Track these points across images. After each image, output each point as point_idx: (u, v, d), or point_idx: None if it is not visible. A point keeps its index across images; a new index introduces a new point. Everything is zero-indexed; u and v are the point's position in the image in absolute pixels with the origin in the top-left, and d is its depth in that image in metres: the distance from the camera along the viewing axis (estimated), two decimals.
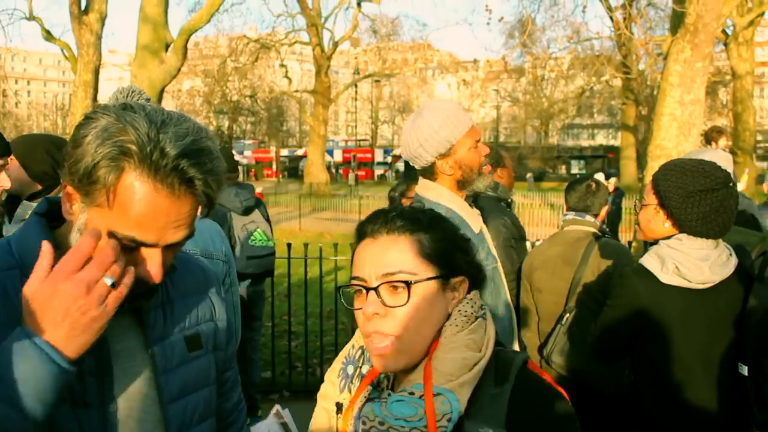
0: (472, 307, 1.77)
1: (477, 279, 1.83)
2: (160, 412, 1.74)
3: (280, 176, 71.31)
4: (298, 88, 59.31)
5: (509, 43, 49.53)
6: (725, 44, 30.56)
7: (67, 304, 1.46)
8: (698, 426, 3.18)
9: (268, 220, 6.95)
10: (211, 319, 1.94)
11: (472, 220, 3.27)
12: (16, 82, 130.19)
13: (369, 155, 75.34)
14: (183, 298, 1.87)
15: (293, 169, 74.33)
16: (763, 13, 29.62)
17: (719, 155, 4.86)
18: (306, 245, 8.50)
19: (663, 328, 3.20)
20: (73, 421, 1.59)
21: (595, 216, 4.65)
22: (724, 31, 29.09)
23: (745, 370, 3.08)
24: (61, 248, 1.57)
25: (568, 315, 4.41)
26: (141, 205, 1.52)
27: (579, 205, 4.67)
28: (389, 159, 76.70)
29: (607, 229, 4.89)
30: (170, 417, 1.75)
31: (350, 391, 1.79)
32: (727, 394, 3.16)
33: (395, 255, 1.70)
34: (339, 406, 1.79)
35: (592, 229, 4.60)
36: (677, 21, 12.88)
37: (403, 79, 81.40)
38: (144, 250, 1.59)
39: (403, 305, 1.67)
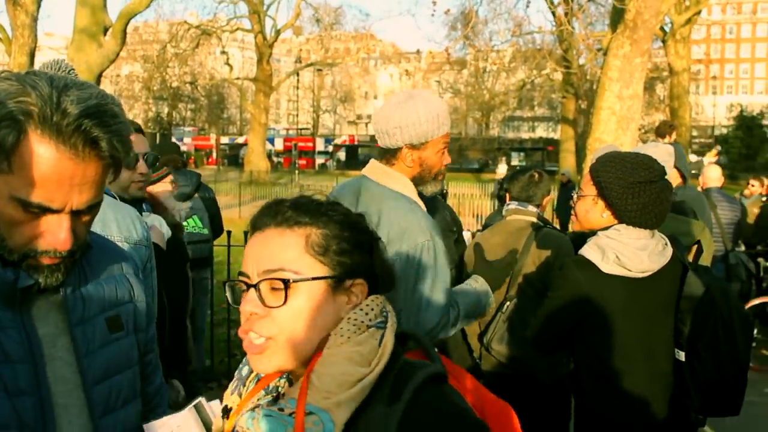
0: (366, 314, 1.54)
1: (382, 282, 1.64)
2: (84, 396, 1.70)
3: (220, 164, 70.70)
4: (239, 75, 58.76)
5: (452, 35, 49.85)
6: (663, 41, 31.07)
7: None
8: (639, 413, 3.25)
9: (214, 206, 6.90)
10: (130, 300, 1.91)
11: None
12: None
13: (310, 144, 75.11)
14: (101, 281, 1.84)
15: (233, 157, 73.74)
16: (700, 12, 30.27)
17: (665, 149, 4.95)
18: (246, 233, 8.37)
19: (605, 317, 3.26)
20: (9, 410, 1.55)
21: (538, 206, 4.69)
22: (662, 28, 29.57)
23: (682, 355, 3.17)
24: None
25: (508, 303, 4.44)
26: (43, 168, 1.48)
27: (521, 195, 4.70)
28: (330, 148, 76.59)
29: (548, 220, 4.92)
30: (94, 400, 1.72)
31: (240, 395, 1.63)
32: (666, 379, 3.25)
33: (278, 249, 1.53)
34: (226, 410, 1.64)
35: (534, 219, 4.64)
36: (617, 17, 13.06)
37: (346, 69, 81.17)
38: (51, 217, 1.55)
39: (280, 306, 1.49)
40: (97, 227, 2.21)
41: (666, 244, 3.31)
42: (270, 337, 1.50)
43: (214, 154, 74.64)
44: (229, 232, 8.02)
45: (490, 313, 4.53)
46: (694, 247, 3.59)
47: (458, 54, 60.57)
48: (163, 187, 4.63)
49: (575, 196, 3.53)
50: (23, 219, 1.54)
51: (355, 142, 78.45)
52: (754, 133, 60.31)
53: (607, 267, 3.23)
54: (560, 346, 3.51)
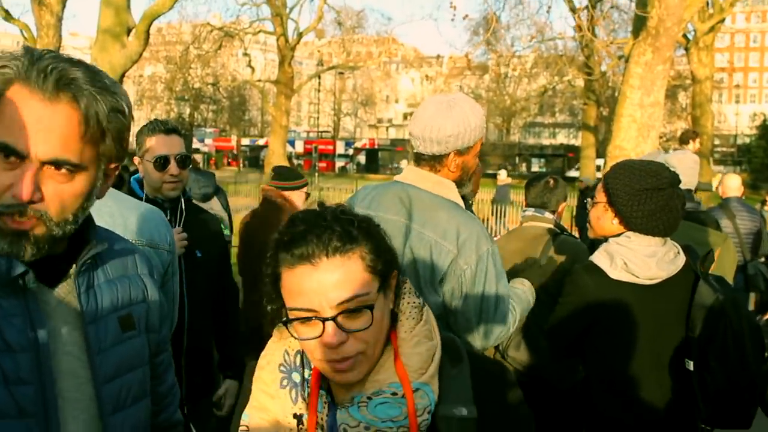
0: (416, 296, 1.75)
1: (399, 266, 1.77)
2: (94, 391, 1.71)
3: (241, 166, 70.90)
4: (260, 77, 58.94)
5: (473, 40, 49.73)
6: (686, 49, 30.85)
7: None
8: (646, 420, 3.25)
9: (227, 209, 6.91)
10: (143, 300, 1.92)
11: None
12: None
13: (330, 147, 75.19)
14: (114, 279, 1.85)
15: (254, 159, 73.94)
16: (723, 20, 30.02)
17: (691, 157, 4.96)
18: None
19: (612, 323, 3.28)
20: (7, 398, 1.56)
21: (553, 212, 4.69)
22: (685, 36, 29.39)
23: (691, 365, 3.16)
24: None
25: None
26: (13, 106, 1.51)
27: (537, 201, 4.70)
28: (350, 151, 76.61)
29: (565, 227, 4.93)
30: (104, 397, 1.73)
31: (305, 400, 1.70)
32: (674, 388, 3.24)
33: (344, 280, 1.58)
34: (299, 417, 1.69)
35: (550, 226, 4.64)
36: (639, 24, 12.99)
37: (367, 73, 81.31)
38: (19, 169, 1.53)
39: (367, 327, 1.59)
40: (118, 230, 2.22)
41: (678, 252, 3.30)
42: (360, 352, 1.60)
43: (235, 156, 74.88)
44: None
45: None
46: (708, 256, 3.58)
47: (480, 59, 60.47)
48: (299, 196, 4.87)
49: (589, 204, 3.54)
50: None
51: (375, 146, 78.52)
52: None
53: (615, 273, 3.24)
54: (573, 351, 3.51)
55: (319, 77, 61.01)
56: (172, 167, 3.66)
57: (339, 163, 74.42)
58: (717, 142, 61.89)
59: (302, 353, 1.73)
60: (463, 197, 3.32)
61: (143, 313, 1.91)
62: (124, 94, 1.64)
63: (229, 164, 71.56)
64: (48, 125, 1.52)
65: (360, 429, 1.59)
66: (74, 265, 1.72)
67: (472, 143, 3.19)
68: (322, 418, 1.66)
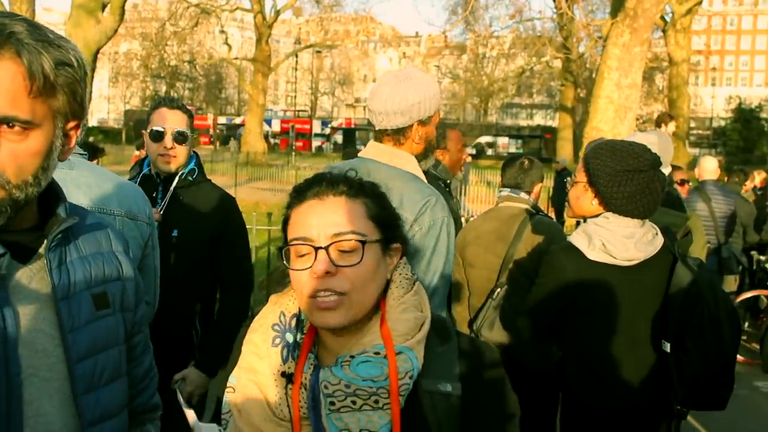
0: (408, 270, 1.81)
1: (407, 249, 1.86)
2: (67, 370, 1.68)
3: (217, 144, 70.57)
4: (237, 55, 58.53)
5: (452, 19, 49.63)
6: (663, 31, 31.01)
7: None
8: (622, 401, 3.25)
9: None
10: (118, 278, 1.87)
11: None
12: None
13: (307, 126, 74.99)
14: (88, 256, 1.81)
15: (230, 138, 73.61)
16: (701, 2, 30.19)
17: (663, 137, 4.96)
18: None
19: (589, 304, 3.27)
20: None
21: (528, 193, 4.68)
22: (662, 18, 29.51)
23: (668, 347, 3.16)
24: None
25: (499, 290, 4.43)
26: None
27: (512, 182, 4.70)
28: (327, 131, 76.44)
29: (541, 207, 4.92)
30: (77, 376, 1.69)
31: (294, 360, 1.74)
32: (651, 370, 3.24)
33: (346, 216, 1.70)
34: (289, 376, 1.72)
35: (526, 206, 4.63)
36: (618, 5, 13.03)
37: (345, 51, 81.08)
38: None
39: (355, 264, 1.66)
40: (95, 200, 2.23)
41: (656, 233, 3.30)
42: (343, 293, 1.65)
43: (211, 134, 74.52)
44: None
45: (480, 300, 4.53)
46: (686, 238, 3.59)
47: (458, 39, 60.46)
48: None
49: (569, 184, 3.53)
50: None
51: (352, 125, 78.44)
52: (752, 126, 60.40)
53: (593, 254, 3.23)
54: (550, 332, 3.51)
55: (297, 56, 60.88)
56: (167, 140, 3.67)
57: (316, 143, 74.19)
58: (693, 124, 62.25)
59: (298, 316, 1.79)
60: (435, 176, 3.30)
61: (118, 291, 1.86)
62: (72, 48, 1.58)
63: (203, 143, 71.13)
64: None
65: (340, 387, 1.62)
66: (45, 241, 1.68)
67: (432, 112, 3.19)
68: (306, 378, 1.69)
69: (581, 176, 3.38)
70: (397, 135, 3.19)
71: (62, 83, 1.56)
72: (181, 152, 3.75)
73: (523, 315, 3.48)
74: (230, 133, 73.70)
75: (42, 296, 1.67)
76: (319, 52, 71.28)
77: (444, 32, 32.42)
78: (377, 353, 1.65)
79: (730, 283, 8.96)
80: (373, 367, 1.63)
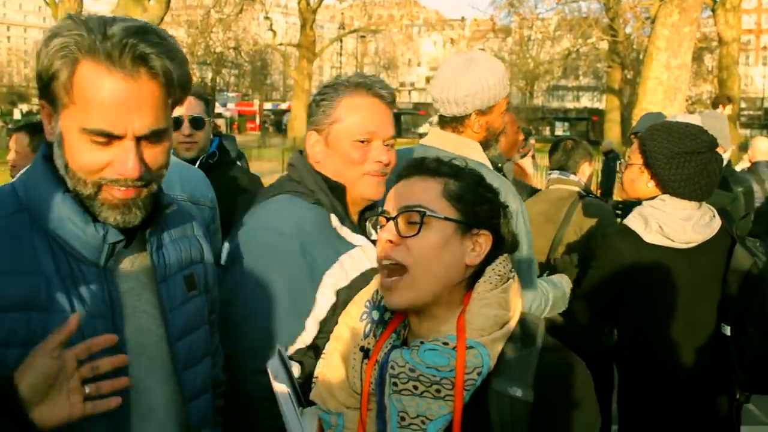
0: (504, 267, 1.78)
1: (507, 242, 1.83)
2: (168, 348, 1.81)
3: (263, 130, 70.87)
4: (282, 41, 58.85)
5: (497, 2, 49.21)
6: (713, 10, 30.42)
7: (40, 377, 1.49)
8: (681, 384, 3.21)
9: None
10: (201, 261, 2.00)
11: None
12: None
13: None
14: (177, 241, 1.92)
15: (277, 123, 73.85)
16: None
17: (719, 118, 4.90)
18: None
19: (646, 287, 3.24)
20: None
21: (575, 174, 4.66)
22: None
23: (728, 330, 3.13)
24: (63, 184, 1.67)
25: (547, 272, 4.41)
26: (99, 93, 1.56)
27: (557, 164, 4.70)
28: None
29: (591, 189, 4.91)
30: (177, 354, 1.82)
31: (375, 336, 1.81)
32: (710, 353, 3.20)
33: (419, 191, 1.75)
34: (366, 351, 1.79)
35: (576, 189, 4.60)
36: None
37: (389, 36, 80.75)
38: (117, 146, 1.61)
39: (414, 235, 1.69)
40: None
41: (714, 215, 3.26)
42: (402, 265, 1.70)
43: (257, 120, 74.87)
44: None
45: None
46: (745, 219, 3.54)
47: (503, 22, 59.98)
48: (528, 161, 4.85)
49: (621, 165, 3.50)
50: (91, 149, 1.60)
51: (396, 110, 78.23)
52: None
53: (650, 237, 3.20)
54: (607, 316, 3.47)
55: (341, 41, 60.84)
56: (185, 127, 3.73)
57: None
58: (744, 105, 61.17)
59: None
60: (492, 160, 3.28)
61: (202, 273, 1.99)
62: (179, 48, 1.70)
63: (250, 129, 71.45)
64: (137, 103, 1.58)
65: (405, 370, 1.64)
66: (149, 227, 1.80)
67: (493, 102, 3.14)
68: (380, 356, 1.74)
69: (636, 158, 3.34)
70: (455, 123, 3.18)
71: (183, 83, 1.68)
72: (199, 138, 3.82)
73: (577, 298, 3.44)
74: (277, 119, 73.99)
75: (143, 278, 1.79)
76: (363, 36, 71.13)
77: (492, 17, 32.13)
78: (446, 344, 1.65)
79: None
80: (439, 357, 1.63)
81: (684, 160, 3.14)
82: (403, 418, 1.63)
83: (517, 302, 1.76)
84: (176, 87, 1.65)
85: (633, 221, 3.27)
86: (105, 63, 1.56)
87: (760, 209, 8.29)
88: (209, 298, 2.03)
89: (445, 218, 1.72)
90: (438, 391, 1.61)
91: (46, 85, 1.62)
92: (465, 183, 1.77)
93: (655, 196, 3.25)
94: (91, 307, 1.65)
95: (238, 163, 6.81)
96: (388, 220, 1.75)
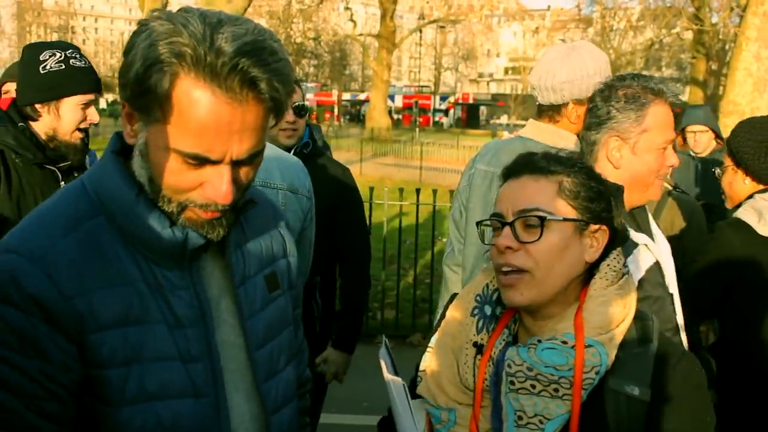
0: (618, 263, 1.76)
1: (620, 235, 1.80)
2: (247, 359, 1.64)
3: (341, 120, 71.18)
4: (362, 31, 59.05)
5: None
6: None
7: None
8: None
9: None
10: (284, 256, 1.83)
11: None
12: (84, 19, 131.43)
13: (428, 102, 74.94)
14: (257, 236, 1.74)
15: (355, 113, 74.21)
16: None
17: None
18: (371, 189, 8.54)
19: (759, 282, 3.15)
20: (184, 377, 1.51)
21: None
22: None
23: None
24: (139, 184, 1.51)
25: None
26: (200, 114, 1.37)
27: None
28: (444, 106, 76.12)
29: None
30: (258, 364, 1.65)
31: (488, 332, 1.77)
32: None
33: (533, 192, 1.70)
34: (479, 346, 1.75)
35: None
36: None
37: (468, 26, 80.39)
38: (210, 169, 1.44)
39: (535, 241, 1.66)
40: (260, 174, 2.08)
41: None
42: (525, 270, 1.66)
43: (336, 110, 75.29)
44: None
45: None
46: None
47: (584, 12, 59.16)
48: None
49: (719, 173, 3.47)
50: (180, 170, 1.44)
51: (470, 101, 77.76)
52: None
53: (764, 229, 3.13)
54: (712, 311, 3.41)
55: (421, 31, 60.77)
56: (289, 114, 3.66)
57: (435, 118, 74.10)
58: None
59: (498, 290, 1.78)
60: None
61: (285, 269, 1.82)
62: (289, 62, 1.48)
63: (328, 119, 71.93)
64: (240, 127, 1.41)
65: (523, 369, 1.63)
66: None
67: (589, 93, 3.00)
68: (494, 353, 1.72)
69: (727, 160, 3.32)
70: (552, 112, 3.17)
71: (287, 102, 1.51)
72: (301, 126, 3.77)
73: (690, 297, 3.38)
74: (355, 109, 74.31)
75: (223, 284, 1.63)
76: (442, 27, 70.96)
77: (578, 5, 31.69)
78: (565, 342, 1.64)
79: None
80: (558, 356, 1.62)
81: None
82: (520, 417, 1.63)
83: (633, 299, 1.73)
84: (282, 107, 1.47)
85: (745, 214, 3.19)
86: (209, 83, 1.36)
87: None
88: (293, 294, 1.86)
89: (564, 219, 1.69)
90: (556, 390, 1.61)
91: (133, 88, 1.42)
92: (578, 179, 1.72)
93: (764, 190, 3.19)
94: (183, 316, 1.52)
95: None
96: (503, 224, 1.70)
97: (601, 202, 1.74)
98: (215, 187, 1.45)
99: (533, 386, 1.62)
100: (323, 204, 3.75)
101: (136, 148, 1.49)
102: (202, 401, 1.52)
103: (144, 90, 1.40)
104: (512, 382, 1.64)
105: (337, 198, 3.90)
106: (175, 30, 1.37)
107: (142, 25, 1.43)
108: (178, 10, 1.44)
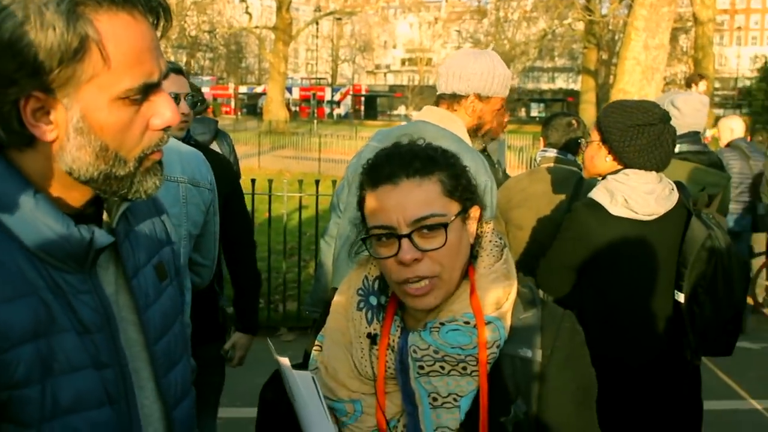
0: (500, 238, 1.81)
1: (483, 206, 1.83)
2: (147, 355, 1.55)
3: (239, 113, 70.61)
4: (258, 24, 58.44)
5: None
6: None
7: None
8: (640, 352, 3.39)
9: (234, 152, 6.89)
10: (168, 243, 1.74)
11: None
12: None
13: (323, 94, 75.35)
14: (140, 224, 1.64)
15: (252, 107, 73.73)
16: None
17: (694, 97, 4.93)
18: (270, 182, 8.46)
19: (612, 258, 3.41)
20: (98, 385, 1.42)
21: (575, 155, 4.55)
22: None
23: (681, 297, 3.34)
24: (32, 182, 1.37)
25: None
26: (134, 41, 1.33)
27: (560, 143, 4.58)
28: (337, 97, 76.53)
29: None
30: (157, 359, 1.57)
31: (379, 321, 1.77)
32: (667, 320, 3.41)
33: (421, 198, 1.66)
34: (374, 337, 1.75)
35: (575, 169, 4.49)
36: None
37: (365, 18, 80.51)
38: (153, 97, 1.39)
39: (440, 247, 1.65)
40: None
41: (672, 189, 3.44)
42: (434, 276, 1.66)
43: (233, 104, 74.59)
44: (253, 180, 8.05)
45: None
46: (702, 193, 3.70)
47: (478, 3, 59.96)
48: None
49: (583, 144, 3.69)
50: (129, 117, 1.36)
51: (362, 92, 78.31)
52: None
53: (616, 209, 3.35)
54: (569, 286, 3.59)
55: (317, 23, 60.60)
56: (183, 106, 3.64)
57: (327, 110, 74.53)
58: (718, 85, 61.37)
59: (380, 279, 1.80)
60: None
61: (170, 257, 1.73)
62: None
63: (225, 113, 71.28)
64: (156, 44, 1.41)
65: (429, 352, 1.66)
66: (113, 216, 1.52)
67: (493, 94, 3.30)
68: (393, 340, 1.73)
69: (595, 135, 3.52)
70: (452, 100, 3.31)
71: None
72: (191, 116, 3.80)
73: (542, 269, 3.60)
74: (251, 102, 73.87)
75: (119, 280, 1.52)
76: (339, 19, 70.96)
77: None
78: (467, 323, 1.67)
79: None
80: (463, 336, 1.66)
81: (637, 132, 3.32)
82: (435, 399, 1.67)
83: (514, 269, 1.79)
84: (168, 17, 1.45)
85: (599, 194, 3.41)
86: (124, 10, 1.32)
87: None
88: (180, 282, 1.79)
89: (457, 216, 1.69)
90: (464, 368, 1.66)
91: (55, 65, 1.27)
92: (452, 170, 1.73)
93: (617, 171, 3.41)
94: (89, 321, 1.40)
95: (217, 142, 6.81)
96: (398, 237, 1.64)
97: (470, 183, 1.77)
98: (167, 109, 1.41)
99: (442, 368, 1.66)
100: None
101: (70, 130, 1.33)
102: (115, 408, 1.44)
103: (73, 55, 1.27)
104: (421, 367, 1.67)
105: (225, 186, 3.87)
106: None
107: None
108: None
